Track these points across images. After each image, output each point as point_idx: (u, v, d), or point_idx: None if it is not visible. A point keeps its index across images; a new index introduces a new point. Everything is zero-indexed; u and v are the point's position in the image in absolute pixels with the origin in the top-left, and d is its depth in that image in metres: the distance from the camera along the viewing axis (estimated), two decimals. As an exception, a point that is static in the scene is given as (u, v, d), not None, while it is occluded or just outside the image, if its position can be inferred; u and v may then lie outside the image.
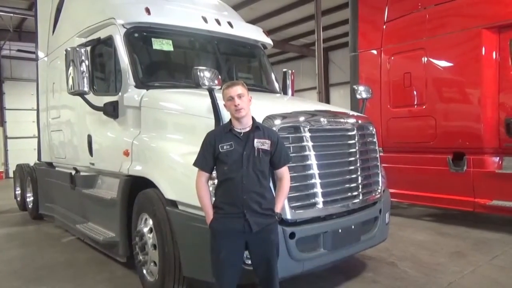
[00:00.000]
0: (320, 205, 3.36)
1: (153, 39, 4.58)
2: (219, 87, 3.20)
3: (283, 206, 2.92)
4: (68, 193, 5.82)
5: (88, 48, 4.66)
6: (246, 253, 2.75)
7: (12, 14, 12.90)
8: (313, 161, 3.36)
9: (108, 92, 4.74)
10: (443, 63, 6.29)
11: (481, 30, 5.74)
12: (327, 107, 4.04)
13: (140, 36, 4.61)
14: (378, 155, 4.12)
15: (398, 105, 6.80)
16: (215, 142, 2.70)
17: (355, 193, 3.68)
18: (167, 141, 3.87)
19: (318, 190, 3.36)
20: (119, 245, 4.29)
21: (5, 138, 17.50)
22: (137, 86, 4.31)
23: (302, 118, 3.43)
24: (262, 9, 13.41)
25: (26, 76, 17.13)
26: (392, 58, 6.90)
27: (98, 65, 5.00)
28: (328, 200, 3.43)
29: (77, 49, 4.35)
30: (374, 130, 4.10)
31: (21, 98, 16.86)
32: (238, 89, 2.68)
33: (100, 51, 4.90)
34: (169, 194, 3.48)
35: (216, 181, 2.78)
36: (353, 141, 3.73)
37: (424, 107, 6.44)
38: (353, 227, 3.62)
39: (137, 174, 3.98)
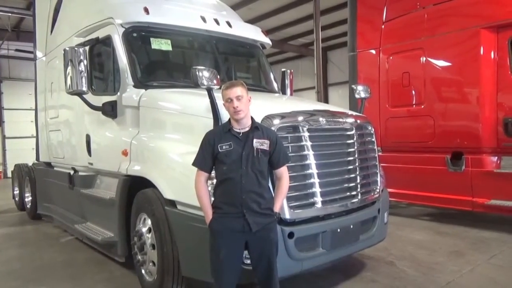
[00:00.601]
0: (319, 205, 3.37)
1: (151, 39, 4.57)
2: (218, 86, 3.21)
3: (282, 205, 2.92)
4: (67, 193, 5.81)
5: (87, 48, 4.65)
6: (246, 252, 2.75)
7: (10, 14, 12.85)
8: (311, 160, 3.36)
9: (106, 91, 4.73)
10: (441, 63, 6.29)
11: (479, 29, 5.75)
12: (325, 107, 4.04)
13: (138, 36, 4.60)
14: (376, 155, 4.12)
15: (396, 104, 6.81)
16: (214, 142, 2.70)
17: (354, 192, 3.68)
18: (166, 141, 3.87)
19: (317, 189, 3.37)
20: (118, 245, 4.28)
21: (3, 138, 17.48)
22: (135, 86, 4.31)
23: (300, 118, 3.43)
24: (260, 8, 13.39)
25: (24, 76, 17.11)
26: (391, 57, 6.91)
27: (97, 65, 5.00)
28: (327, 200, 3.43)
29: (76, 48, 4.34)
30: (373, 129, 4.11)
31: (19, 98, 16.85)
32: (237, 91, 2.67)
33: (98, 51, 4.90)
34: (168, 194, 3.48)
35: (215, 181, 2.79)
36: (351, 141, 3.73)
37: (422, 106, 6.44)
38: (351, 226, 3.62)
39: (135, 174, 3.97)
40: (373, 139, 4.08)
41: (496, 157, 5.82)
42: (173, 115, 4.02)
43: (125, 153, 4.20)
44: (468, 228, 6.07)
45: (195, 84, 3.25)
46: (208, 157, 2.72)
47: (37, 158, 7.45)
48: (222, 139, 2.69)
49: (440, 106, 6.25)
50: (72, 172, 5.67)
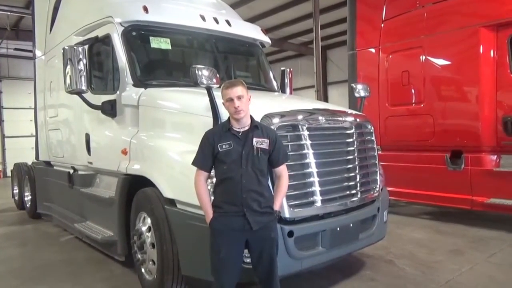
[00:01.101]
0: (319, 204, 3.37)
1: (151, 38, 4.56)
2: (217, 85, 3.21)
3: (281, 204, 2.93)
4: (66, 192, 5.81)
5: (86, 47, 4.63)
6: (246, 251, 2.76)
7: (9, 13, 12.83)
8: (311, 159, 3.36)
9: (106, 90, 4.73)
10: (441, 61, 6.29)
11: (478, 28, 5.75)
12: (325, 106, 4.05)
13: (138, 35, 4.59)
14: (376, 154, 4.12)
15: (396, 103, 6.81)
16: (214, 141, 2.70)
17: (353, 191, 3.69)
18: (166, 140, 3.86)
19: (317, 188, 3.37)
20: (118, 244, 4.28)
21: (3, 137, 17.45)
22: (135, 85, 4.30)
23: (300, 117, 3.43)
24: (260, 7, 13.37)
25: (23, 75, 17.07)
26: (390, 56, 6.91)
27: (96, 64, 4.99)
28: (326, 199, 3.43)
29: (75, 47, 4.34)
30: (372, 128, 4.11)
31: (19, 97, 16.82)
32: (238, 90, 2.67)
33: (97, 50, 4.89)
34: (167, 192, 3.48)
35: (214, 180, 2.79)
36: (351, 140, 3.73)
37: (422, 105, 6.44)
38: (351, 225, 3.62)
39: (135, 173, 3.97)
40: (372, 138, 4.08)
41: (496, 156, 5.82)
42: (173, 114, 4.02)
43: (124, 152, 4.20)
44: (468, 226, 6.08)
45: (195, 83, 3.26)
46: (208, 157, 2.72)
47: (37, 157, 7.45)
48: (222, 138, 2.69)
49: (439, 105, 6.25)
50: (71, 171, 5.68)
